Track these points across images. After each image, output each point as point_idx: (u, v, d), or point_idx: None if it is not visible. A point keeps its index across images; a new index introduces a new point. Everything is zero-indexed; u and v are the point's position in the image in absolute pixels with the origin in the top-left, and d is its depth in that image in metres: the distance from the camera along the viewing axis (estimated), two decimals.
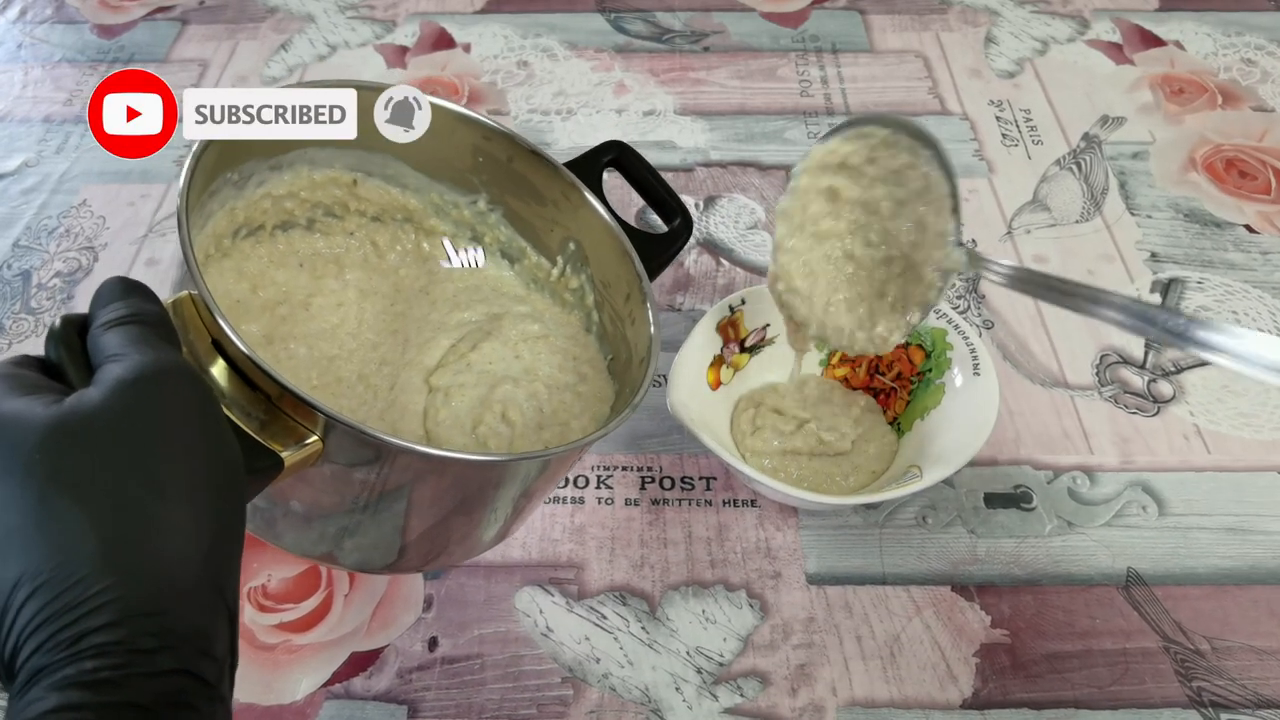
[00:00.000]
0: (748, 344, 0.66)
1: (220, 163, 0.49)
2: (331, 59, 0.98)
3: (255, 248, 0.55)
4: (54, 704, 0.25)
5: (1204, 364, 0.70)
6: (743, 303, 0.65)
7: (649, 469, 0.65)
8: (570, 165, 0.58)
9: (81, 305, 0.73)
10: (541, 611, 0.58)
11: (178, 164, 0.85)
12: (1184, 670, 0.55)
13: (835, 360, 0.67)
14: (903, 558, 0.60)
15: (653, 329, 0.53)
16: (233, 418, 0.37)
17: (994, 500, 0.63)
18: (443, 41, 1.00)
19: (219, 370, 0.38)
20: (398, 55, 0.98)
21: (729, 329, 0.65)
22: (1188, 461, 0.65)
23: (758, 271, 0.77)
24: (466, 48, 0.99)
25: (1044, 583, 0.59)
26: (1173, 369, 0.70)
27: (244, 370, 0.38)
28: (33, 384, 0.31)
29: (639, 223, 0.77)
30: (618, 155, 0.61)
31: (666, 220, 0.61)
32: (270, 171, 0.53)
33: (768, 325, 0.66)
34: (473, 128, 0.57)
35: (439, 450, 0.42)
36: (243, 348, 0.37)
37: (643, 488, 0.64)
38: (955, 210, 0.50)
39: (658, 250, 0.58)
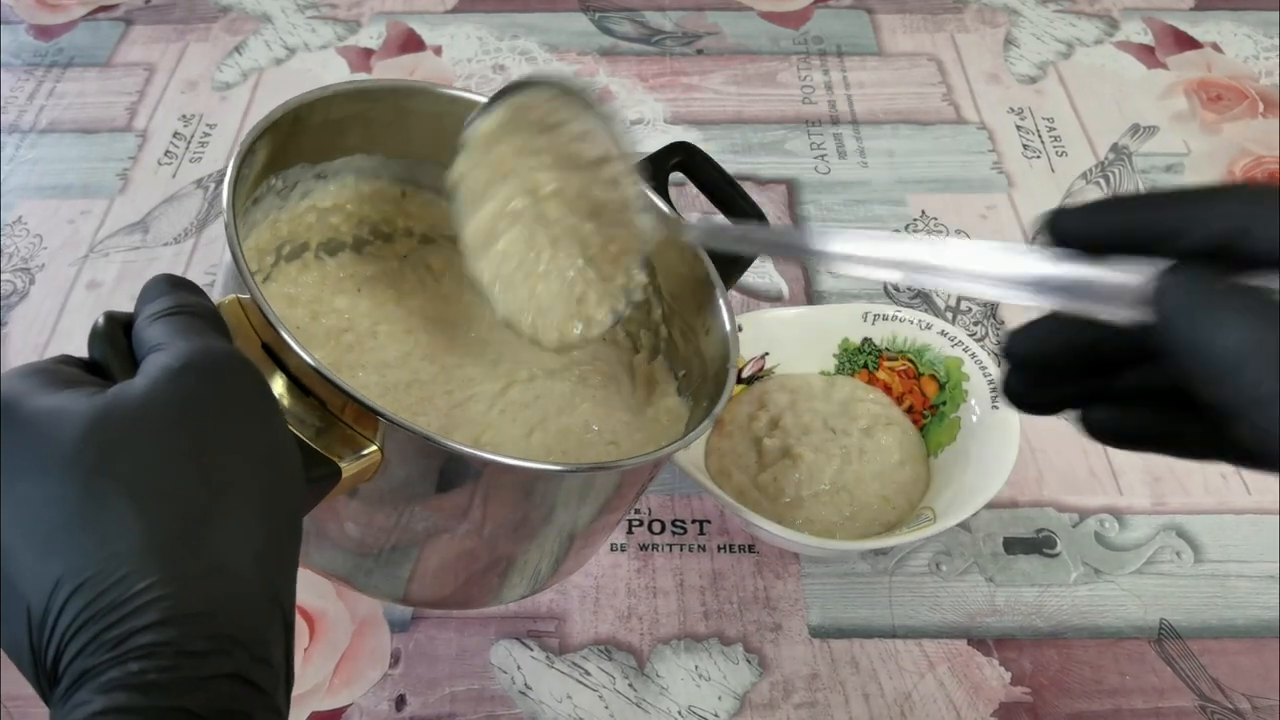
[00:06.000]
0: (744, 374, 0.67)
1: (269, 164, 0.51)
2: (290, 62, 0.99)
3: (302, 273, 0.57)
4: (100, 706, 0.26)
5: None
6: (739, 329, 0.66)
7: (636, 511, 0.66)
8: None
9: (16, 332, 0.75)
10: (519, 667, 0.59)
11: (121, 177, 0.87)
12: None
13: None
14: (914, 608, 0.61)
15: (728, 328, 0.54)
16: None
17: (1014, 545, 0.64)
18: (411, 43, 1.02)
19: (272, 377, 0.39)
20: (362, 59, 1.00)
21: None
22: (1226, 503, 0.66)
23: (754, 295, 0.78)
24: (437, 50, 1.01)
25: (1069, 635, 0.60)
26: None
27: (298, 376, 0.40)
28: (71, 379, 0.32)
29: None
30: (684, 158, 0.61)
31: None
32: (315, 180, 0.55)
33: (766, 354, 0.67)
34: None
35: (501, 457, 0.42)
36: (296, 347, 0.39)
37: (630, 532, 0.65)
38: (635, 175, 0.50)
39: (732, 256, 0.58)
